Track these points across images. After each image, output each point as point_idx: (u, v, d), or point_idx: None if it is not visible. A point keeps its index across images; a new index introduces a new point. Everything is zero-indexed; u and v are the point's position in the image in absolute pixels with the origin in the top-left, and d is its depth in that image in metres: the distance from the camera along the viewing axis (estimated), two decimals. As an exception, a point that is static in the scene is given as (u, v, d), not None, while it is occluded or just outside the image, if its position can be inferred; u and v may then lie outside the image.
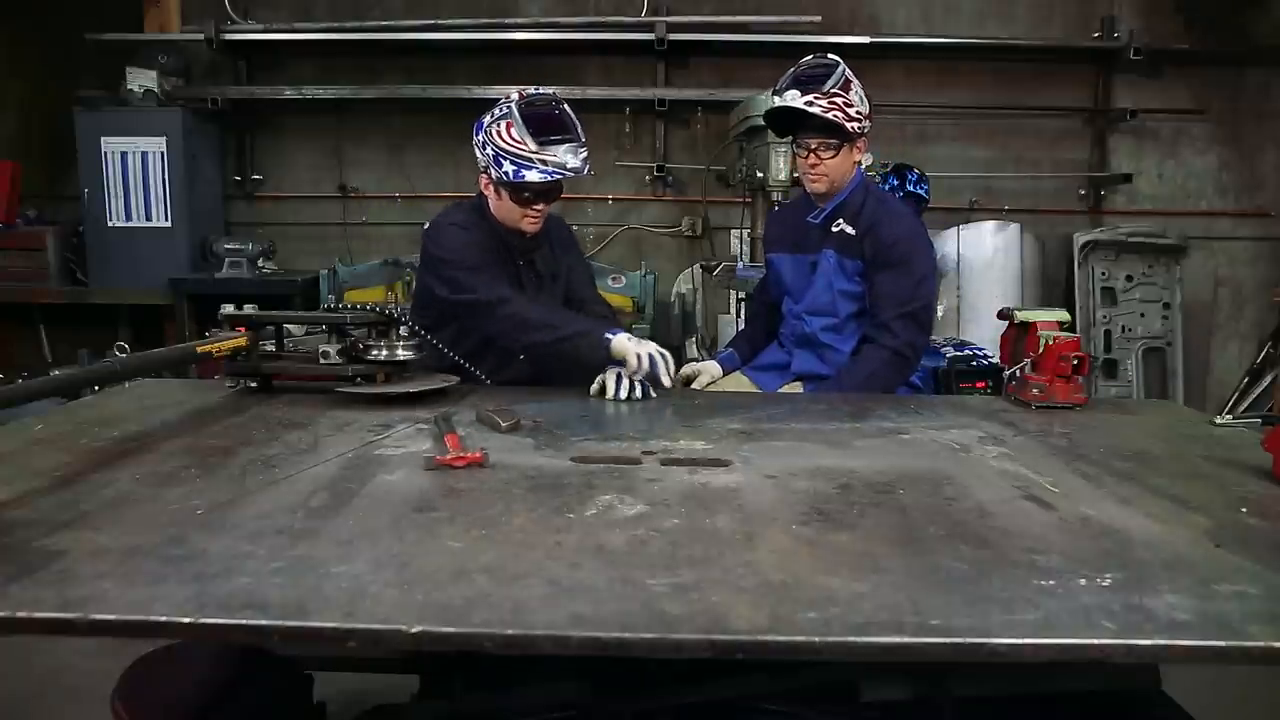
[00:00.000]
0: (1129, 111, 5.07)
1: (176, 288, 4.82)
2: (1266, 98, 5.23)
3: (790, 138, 2.51)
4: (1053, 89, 5.25)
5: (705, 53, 5.21)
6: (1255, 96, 5.24)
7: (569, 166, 2.23)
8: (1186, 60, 5.15)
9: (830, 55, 2.45)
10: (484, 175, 2.34)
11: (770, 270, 2.72)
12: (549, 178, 2.24)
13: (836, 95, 2.36)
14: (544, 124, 2.23)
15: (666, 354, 2.15)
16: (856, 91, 2.40)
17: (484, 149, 2.29)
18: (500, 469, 1.52)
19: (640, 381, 2.14)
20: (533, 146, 2.21)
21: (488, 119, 2.29)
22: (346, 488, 1.40)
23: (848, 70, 2.41)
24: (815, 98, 2.36)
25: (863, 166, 2.55)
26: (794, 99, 2.37)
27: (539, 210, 2.34)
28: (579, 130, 2.28)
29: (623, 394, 2.13)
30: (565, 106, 2.31)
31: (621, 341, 2.14)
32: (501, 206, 2.35)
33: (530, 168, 2.22)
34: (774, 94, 2.44)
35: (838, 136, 2.39)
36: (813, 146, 2.42)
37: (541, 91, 2.34)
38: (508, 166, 2.23)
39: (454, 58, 5.15)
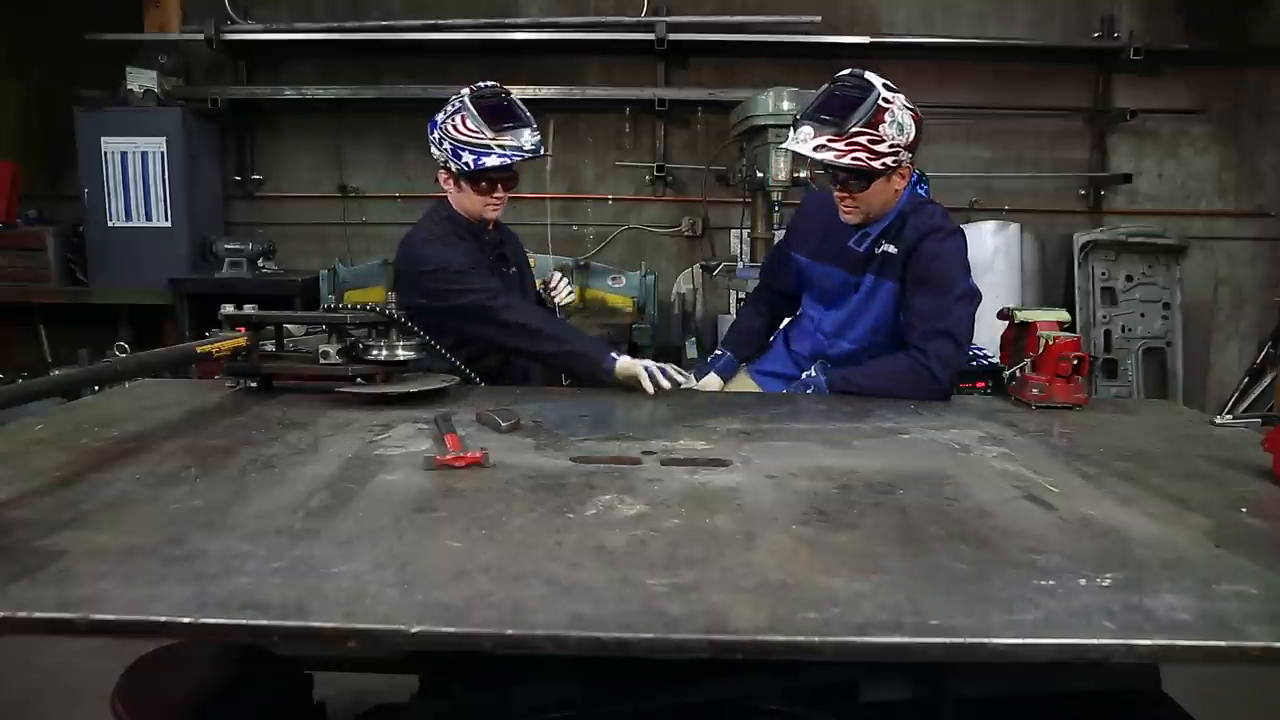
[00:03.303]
0: (1129, 111, 5.07)
1: (176, 288, 4.82)
2: (1266, 98, 5.24)
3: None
4: (1053, 89, 5.25)
5: (705, 53, 5.21)
6: (1255, 96, 5.24)
7: (526, 148, 2.35)
8: (1186, 60, 5.15)
9: (867, 75, 2.16)
10: (443, 171, 2.43)
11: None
12: (508, 160, 2.34)
13: (859, 134, 2.08)
14: (496, 112, 2.36)
15: (665, 366, 2.24)
16: (894, 120, 2.10)
17: (441, 144, 2.38)
18: (500, 469, 1.52)
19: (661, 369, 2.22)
20: (489, 134, 2.32)
21: (441, 116, 2.39)
22: (346, 488, 1.40)
23: (884, 95, 2.10)
24: (830, 140, 2.09)
25: (911, 189, 2.28)
26: (805, 140, 2.11)
27: (499, 197, 2.43)
28: (529, 115, 2.40)
29: (664, 384, 2.19)
30: (513, 96, 2.43)
31: (625, 364, 2.25)
32: (463, 199, 2.44)
33: (489, 154, 2.33)
34: (793, 125, 2.17)
35: (865, 177, 2.16)
36: (841, 179, 2.20)
37: (488, 84, 2.44)
38: (467, 157, 2.33)
39: (454, 58, 5.14)
